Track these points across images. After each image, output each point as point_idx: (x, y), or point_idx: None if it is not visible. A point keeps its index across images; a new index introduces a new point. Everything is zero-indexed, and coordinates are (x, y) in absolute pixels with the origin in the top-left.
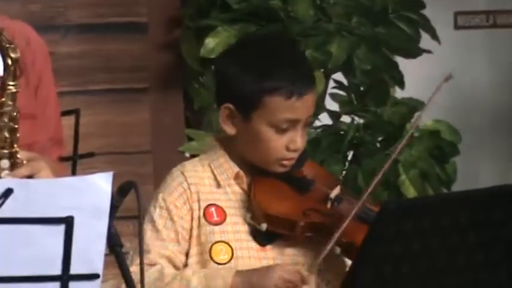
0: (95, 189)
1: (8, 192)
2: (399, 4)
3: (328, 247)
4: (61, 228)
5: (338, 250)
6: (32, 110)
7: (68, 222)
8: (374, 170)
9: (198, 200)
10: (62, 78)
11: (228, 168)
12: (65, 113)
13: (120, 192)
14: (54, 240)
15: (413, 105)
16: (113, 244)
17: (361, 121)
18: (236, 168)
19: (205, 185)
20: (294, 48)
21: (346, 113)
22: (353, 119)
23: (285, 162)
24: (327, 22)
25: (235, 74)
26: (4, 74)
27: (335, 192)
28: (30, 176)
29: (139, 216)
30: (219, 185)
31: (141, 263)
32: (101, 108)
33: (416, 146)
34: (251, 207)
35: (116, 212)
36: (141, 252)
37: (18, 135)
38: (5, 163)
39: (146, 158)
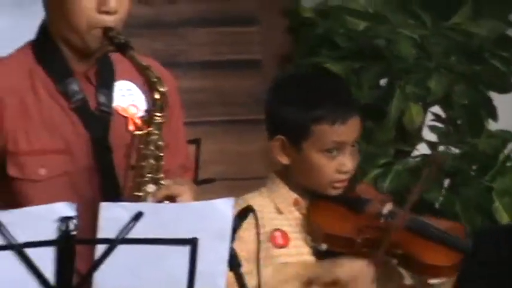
0: (218, 213)
1: (139, 215)
2: (493, 43)
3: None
4: (186, 250)
5: (394, 262)
6: (166, 139)
7: (193, 244)
8: (470, 198)
9: (264, 225)
10: (184, 109)
11: (287, 196)
12: (187, 142)
13: (239, 217)
14: (180, 260)
15: (506, 137)
16: (234, 264)
17: (457, 151)
18: (294, 195)
19: (268, 212)
20: (335, 79)
21: (444, 144)
22: (450, 149)
23: (337, 184)
24: (427, 60)
25: (284, 107)
26: (152, 106)
27: (387, 207)
28: (172, 199)
29: (258, 239)
30: (280, 212)
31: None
32: (219, 138)
33: (509, 174)
34: (310, 230)
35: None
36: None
37: (162, 162)
38: (151, 187)
39: (261, 184)
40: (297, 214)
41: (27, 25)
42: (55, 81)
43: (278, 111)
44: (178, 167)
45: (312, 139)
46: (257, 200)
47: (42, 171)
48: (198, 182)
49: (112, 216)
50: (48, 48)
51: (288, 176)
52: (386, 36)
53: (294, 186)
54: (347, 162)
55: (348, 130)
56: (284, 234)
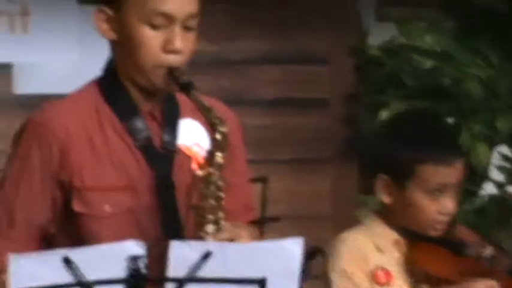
0: (287, 253)
1: (208, 254)
2: None
3: None
4: None
5: None
6: (228, 180)
7: (261, 284)
8: None
9: (367, 263)
10: (249, 148)
11: (387, 235)
12: (254, 180)
13: (308, 257)
14: None
15: None
16: None
17: None
18: (394, 235)
19: (370, 251)
20: (440, 122)
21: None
22: None
23: (438, 226)
24: (494, 99)
25: (389, 147)
26: (212, 147)
27: (488, 251)
28: (231, 241)
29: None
30: (381, 251)
31: None
32: (285, 176)
33: None
34: (412, 270)
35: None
36: None
37: (223, 202)
38: (210, 228)
39: (325, 222)
40: (396, 254)
41: (92, 61)
42: (121, 119)
43: (383, 150)
44: (242, 207)
45: (416, 179)
46: (358, 237)
47: (107, 208)
48: (264, 220)
49: (181, 255)
50: (114, 86)
51: (387, 215)
52: (453, 75)
53: (393, 225)
54: (449, 204)
55: (453, 172)
56: (387, 273)
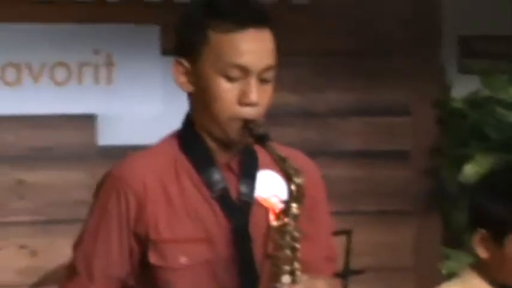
0: None
1: None
2: None
3: None
4: None
5: None
6: (306, 230)
7: None
8: None
9: None
10: (333, 199)
11: None
12: (338, 233)
13: None
14: None
15: None
16: None
17: None
18: None
19: None
20: None
21: None
22: None
23: None
24: None
25: (489, 201)
26: (288, 197)
27: None
28: None
29: None
30: None
31: None
32: (369, 229)
33: None
34: None
35: None
36: None
37: (298, 254)
38: (286, 279)
39: (408, 275)
40: None
41: (176, 112)
42: (198, 171)
43: (482, 205)
44: (321, 259)
45: None
46: None
47: (183, 260)
48: (348, 272)
49: None
50: (192, 138)
51: (484, 270)
52: None
53: (490, 280)
54: None
55: None
56: None
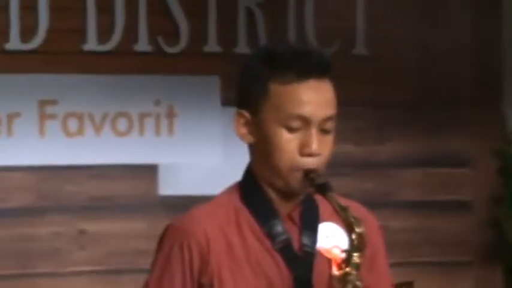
0: None
1: None
2: None
3: None
4: None
5: None
6: (367, 280)
7: None
8: None
9: None
10: (393, 250)
11: None
12: (400, 285)
13: None
14: None
15: None
16: None
17: None
18: None
19: None
20: None
21: None
22: None
23: None
24: None
25: None
26: (349, 246)
27: None
28: None
29: None
30: None
31: None
32: (429, 279)
33: None
34: None
35: None
36: None
37: None
38: None
39: None
40: None
41: (236, 163)
42: (260, 222)
43: None
44: None
45: None
46: None
47: None
48: None
49: None
50: (253, 189)
51: None
52: None
53: None
54: None
55: None
56: None
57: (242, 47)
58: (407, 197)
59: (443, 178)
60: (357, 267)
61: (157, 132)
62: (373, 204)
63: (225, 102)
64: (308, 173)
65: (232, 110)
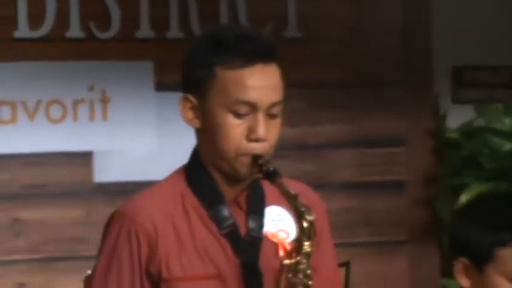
0: None
1: None
2: None
3: None
4: None
5: None
6: (314, 263)
7: None
8: None
9: None
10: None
11: None
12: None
13: None
14: None
15: None
16: None
17: None
18: None
19: None
20: None
21: None
22: None
23: None
24: None
25: (469, 229)
26: (299, 235)
27: None
28: None
29: None
30: None
31: None
32: (365, 260)
33: None
34: None
35: None
36: None
37: None
38: None
39: None
40: None
41: (171, 147)
42: (206, 207)
43: (462, 234)
44: None
45: (496, 263)
46: None
47: None
48: None
49: None
50: (199, 173)
51: None
52: None
53: None
54: None
55: None
56: None
57: (175, 32)
58: (344, 178)
59: (379, 158)
60: (308, 256)
61: (92, 118)
62: (310, 185)
63: (159, 88)
64: (256, 159)
65: (165, 96)
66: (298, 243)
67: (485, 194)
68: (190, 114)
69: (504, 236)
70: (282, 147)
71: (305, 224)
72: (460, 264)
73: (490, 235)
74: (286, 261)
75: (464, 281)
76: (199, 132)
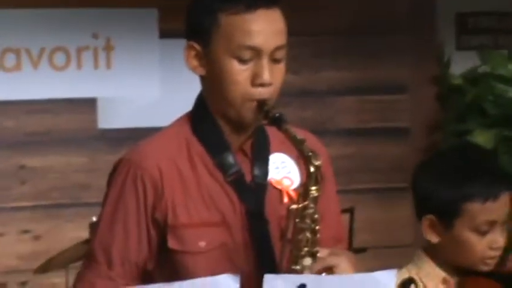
0: (380, 285)
1: (302, 286)
2: None
3: None
4: None
5: None
6: (319, 209)
7: None
8: None
9: None
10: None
11: (435, 274)
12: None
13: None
14: None
15: None
16: None
17: None
18: (442, 274)
19: None
20: (485, 155)
21: None
22: None
23: (489, 261)
24: None
25: (433, 185)
26: (307, 180)
27: None
28: (330, 270)
29: None
30: None
31: None
32: (366, 206)
33: None
34: None
35: None
36: None
37: (318, 235)
38: (307, 261)
39: (408, 252)
40: None
41: (174, 95)
42: (211, 154)
43: (428, 191)
44: (330, 238)
45: (463, 218)
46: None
47: (202, 244)
48: (351, 251)
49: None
50: (204, 120)
51: (436, 254)
52: None
53: (441, 263)
54: (498, 238)
55: (500, 207)
56: None
57: None
58: (346, 124)
59: (381, 105)
60: (315, 200)
61: (96, 65)
62: (312, 132)
63: (163, 35)
64: (262, 105)
65: (169, 43)
66: (305, 187)
67: (440, 150)
68: (195, 62)
69: (471, 190)
70: (284, 94)
71: (312, 169)
72: (427, 221)
73: (456, 190)
74: (294, 206)
75: (432, 237)
76: (204, 80)
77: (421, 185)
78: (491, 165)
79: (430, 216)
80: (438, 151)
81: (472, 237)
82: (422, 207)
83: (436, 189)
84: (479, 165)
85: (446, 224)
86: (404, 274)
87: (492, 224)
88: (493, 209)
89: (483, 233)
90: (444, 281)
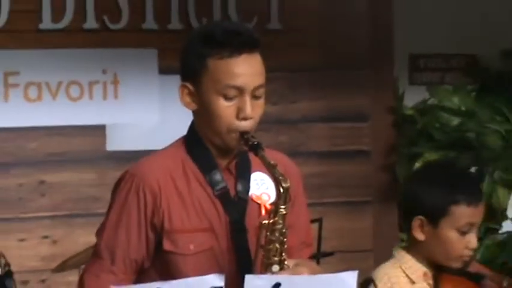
0: (344, 284)
1: (277, 285)
2: None
3: None
4: None
5: None
6: (290, 221)
7: None
8: None
9: None
10: (305, 192)
11: (416, 268)
12: (311, 221)
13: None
14: None
15: None
16: None
17: None
18: (423, 268)
19: (404, 282)
20: (465, 170)
21: None
22: None
23: (464, 259)
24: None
25: (426, 191)
26: (276, 199)
27: (506, 281)
28: None
29: None
30: (413, 282)
31: None
32: (335, 217)
33: None
34: None
35: None
36: None
37: (285, 246)
38: (276, 268)
39: (369, 256)
40: (425, 285)
41: (171, 122)
42: (203, 172)
43: (419, 195)
44: (300, 244)
45: (449, 218)
46: (392, 270)
47: (192, 247)
48: (320, 255)
49: (255, 286)
50: (196, 145)
51: (417, 251)
52: (476, 130)
53: (421, 259)
54: (474, 240)
55: (479, 212)
56: None
57: (175, 24)
58: (317, 148)
59: (347, 131)
60: (283, 217)
61: (105, 97)
62: (287, 154)
63: (162, 71)
64: (243, 134)
65: (167, 78)
66: (275, 206)
67: (428, 163)
68: (188, 99)
69: (457, 195)
70: (264, 121)
71: (281, 190)
72: (417, 221)
73: (445, 194)
74: (265, 221)
75: (419, 235)
76: (196, 114)
77: (412, 191)
78: (473, 178)
79: (420, 217)
80: (425, 166)
81: (453, 236)
82: (412, 210)
83: (428, 193)
84: (463, 177)
85: (434, 224)
86: (388, 268)
87: (472, 225)
88: (474, 213)
89: (463, 233)
90: (424, 274)
